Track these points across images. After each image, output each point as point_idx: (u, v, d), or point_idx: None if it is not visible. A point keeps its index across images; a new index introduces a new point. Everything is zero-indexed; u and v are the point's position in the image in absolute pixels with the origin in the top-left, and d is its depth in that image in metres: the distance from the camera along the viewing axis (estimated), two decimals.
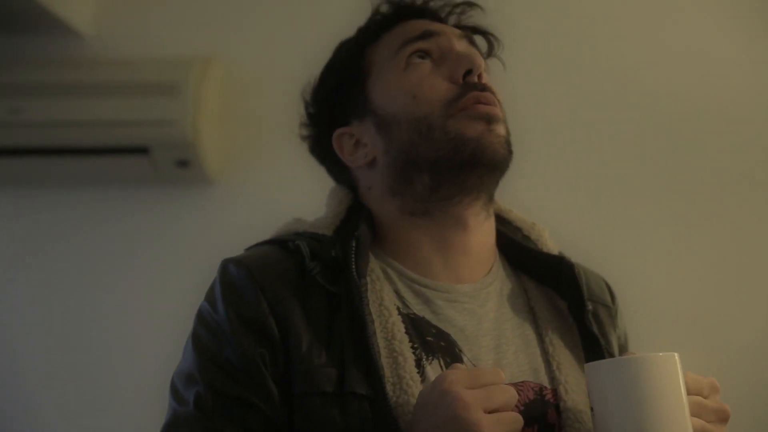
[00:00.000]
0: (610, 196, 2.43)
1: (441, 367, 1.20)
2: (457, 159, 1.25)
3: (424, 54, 1.31)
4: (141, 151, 2.38)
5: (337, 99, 1.37)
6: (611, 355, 1.30)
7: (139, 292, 2.46)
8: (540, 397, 1.23)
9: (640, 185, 2.43)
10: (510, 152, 1.29)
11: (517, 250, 1.38)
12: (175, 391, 1.20)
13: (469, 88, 1.27)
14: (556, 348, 1.28)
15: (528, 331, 1.29)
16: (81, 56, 2.48)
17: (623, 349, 1.39)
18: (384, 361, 1.16)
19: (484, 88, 1.28)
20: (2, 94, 2.38)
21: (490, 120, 1.26)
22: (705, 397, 1.16)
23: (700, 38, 2.49)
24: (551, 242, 1.40)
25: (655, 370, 1.09)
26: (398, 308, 1.24)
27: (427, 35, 1.32)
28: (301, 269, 1.23)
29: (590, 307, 1.29)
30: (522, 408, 1.19)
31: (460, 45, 1.33)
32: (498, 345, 1.26)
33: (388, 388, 1.14)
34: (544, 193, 2.34)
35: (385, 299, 1.23)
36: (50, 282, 2.48)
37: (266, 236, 1.33)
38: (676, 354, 1.10)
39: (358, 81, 1.34)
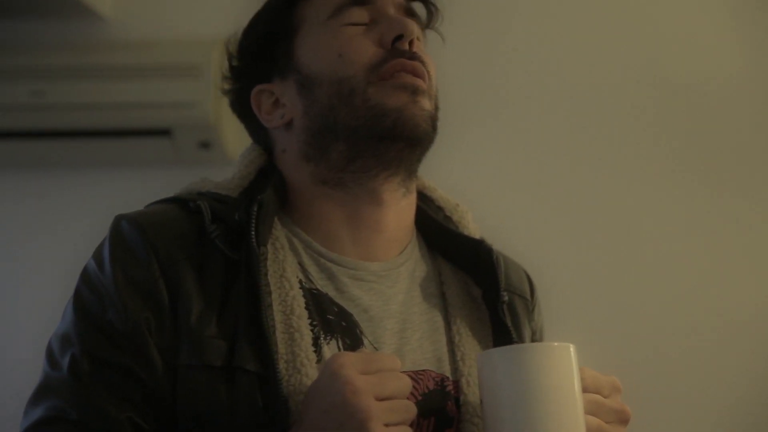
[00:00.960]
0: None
1: (339, 347, 1.14)
2: (376, 129, 1.18)
3: (357, 24, 1.22)
4: (163, 133, 2.39)
5: (260, 53, 1.27)
6: None
7: None
8: (440, 388, 1.17)
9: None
10: (434, 129, 1.21)
11: (437, 231, 1.30)
12: (50, 354, 1.12)
13: (397, 54, 1.19)
14: (463, 338, 1.21)
15: (437, 318, 1.23)
16: (102, 39, 2.48)
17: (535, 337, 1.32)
18: (279, 336, 1.10)
19: (413, 56, 1.20)
20: (24, 78, 2.38)
21: (414, 91, 1.18)
22: (605, 396, 1.10)
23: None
24: (473, 226, 1.32)
25: (547, 360, 1.03)
26: (300, 281, 1.17)
27: (363, 1, 1.23)
28: (201, 231, 1.15)
29: (506, 297, 1.23)
30: (420, 398, 1.14)
31: (397, 11, 1.24)
32: (403, 329, 1.19)
33: (281, 365, 1.08)
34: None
35: (287, 270, 1.15)
36: (75, 263, 2.49)
37: None
38: (571, 345, 1.05)
39: (286, 36, 1.25)
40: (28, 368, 1.25)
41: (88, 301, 1.13)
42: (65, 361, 1.09)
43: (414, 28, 1.22)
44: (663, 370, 2.30)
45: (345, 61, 1.18)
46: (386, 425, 0.98)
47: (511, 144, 2.42)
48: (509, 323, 1.22)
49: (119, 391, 1.07)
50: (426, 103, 1.20)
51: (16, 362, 2.22)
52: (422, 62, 1.21)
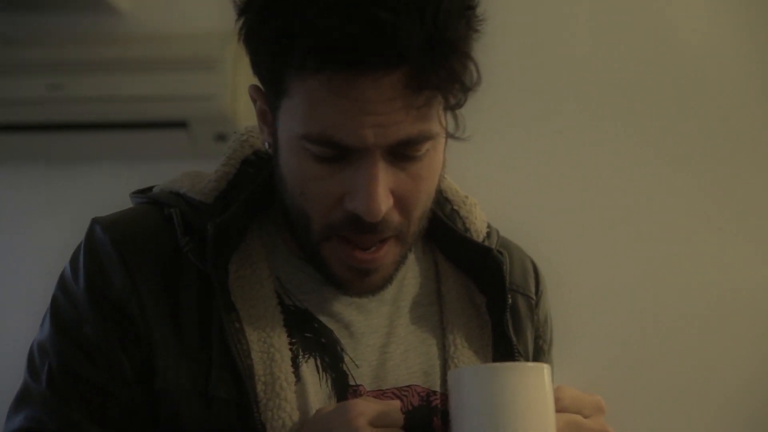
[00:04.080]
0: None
1: (317, 366, 1.09)
2: (322, 271, 1.10)
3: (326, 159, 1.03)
4: (179, 125, 2.40)
5: (254, 57, 1.10)
6: (526, 358, 1.19)
7: None
8: (426, 403, 1.12)
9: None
10: (390, 280, 1.10)
11: (440, 228, 1.19)
12: (31, 362, 1.09)
13: (356, 227, 1.03)
14: (458, 349, 1.15)
15: (428, 327, 1.16)
16: (118, 32, 2.48)
17: (540, 339, 1.25)
18: (257, 356, 1.05)
19: (373, 230, 1.03)
20: (42, 71, 2.39)
21: (365, 272, 1.07)
22: (586, 416, 1.05)
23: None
24: (481, 219, 1.22)
25: (519, 380, 0.99)
26: (279, 296, 1.10)
27: (341, 151, 1.01)
28: (177, 241, 1.08)
29: (509, 300, 1.17)
30: (403, 416, 1.07)
31: (373, 168, 1.01)
32: (385, 344, 1.14)
33: (259, 388, 1.04)
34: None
35: (264, 287, 1.09)
36: None
37: None
38: (545, 366, 1.02)
39: (275, 88, 1.06)
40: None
41: (65, 311, 1.09)
42: (43, 373, 1.06)
43: (381, 208, 1.01)
44: (678, 365, 2.29)
45: (305, 203, 1.05)
46: None
47: (520, 137, 2.42)
48: (511, 333, 1.16)
49: (97, 407, 1.05)
50: (382, 272, 1.08)
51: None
52: (384, 231, 1.05)
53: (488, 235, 1.22)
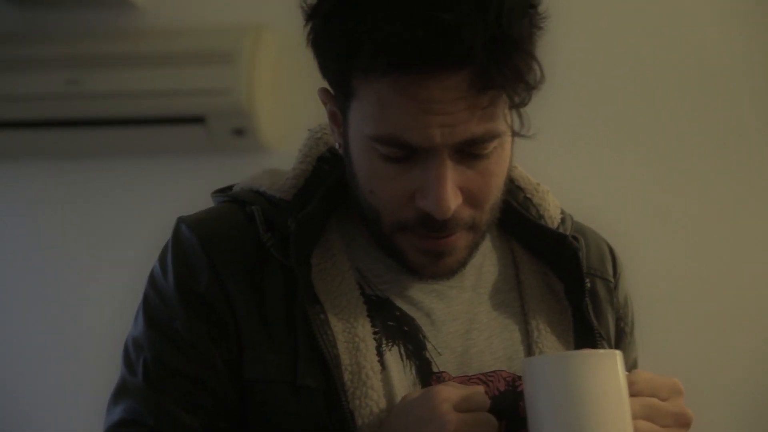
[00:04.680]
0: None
1: (401, 354, 1.11)
2: (398, 262, 1.13)
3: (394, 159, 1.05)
4: (197, 120, 2.39)
5: (327, 64, 1.10)
6: (608, 342, 1.20)
7: None
8: (512, 388, 1.13)
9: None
10: (464, 264, 1.12)
11: (514, 216, 1.21)
12: (126, 356, 1.14)
13: (426, 224, 1.06)
14: (542, 334, 1.16)
15: (509, 314, 1.18)
16: (136, 27, 2.49)
17: (621, 321, 1.26)
18: (342, 346, 1.08)
19: (443, 228, 1.06)
20: (60, 66, 2.40)
21: (439, 255, 1.10)
22: (663, 399, 1.05)
23: None
24: (554, 206, 1.23)
25: (590, 368, 1.00)
26: (360, 287, 1.13)
27: (410, 151, 1.04)
28: (260, 238, 1.12)
29: (588, 284, 1.18)
30: (489, 401, 1.09)
31: (441, 166, 1.03)
32: (468, 331, 1.15)
33: (346, 377, 1.07)
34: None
35: (345, 278, 1.12)
36: (112, 249, 2.51)
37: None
38: (617, 352, 1.03)
39: (343, 89, 1.08)
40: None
41: (156, 308, 1.13)
42: (139, 367, 1.11)
43: (450, 206, 1.04)
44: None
45: (376, 200, 1.08)
46: None
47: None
48: (592, 317, 1.17)
49: (191, 398, 1.09)
50: (453, 258, 1.11)
51: None
52: (455, 227, 1.07)
53: (562, 221, 1.23)
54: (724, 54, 2.40)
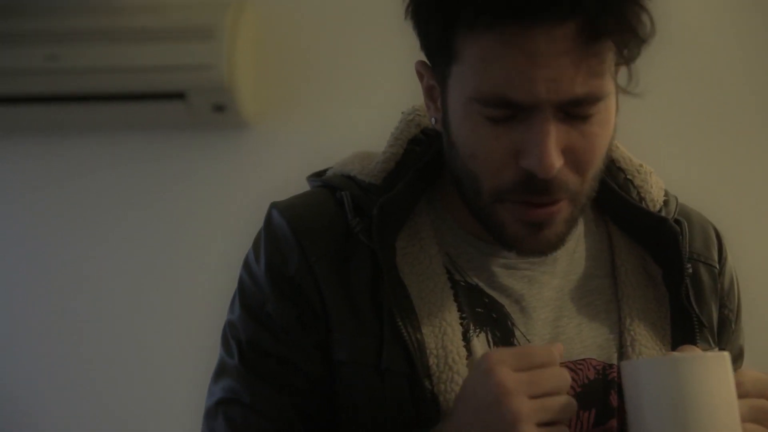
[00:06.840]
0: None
1: (488, 341, 1.10)
2: (494, 235, 1.10)
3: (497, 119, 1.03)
4: (177, 96, 2.39)
5: (421, 26, 1.08)
6: (710, 330, 1.15)
7: (177, 237, 2.48)
8: (602, 376, 1.11)
9: None
10: (563, 240, 1.09)
11: (612, 197, 1.18)
12: (225, 339, 1.17)
13: (529, 187, 1.04)
14: (635, 321, 1.14)
15: (601, 300, 1.16)
16: (115, 2, 2.47)
17: (725, 308, 1.21)
18: (427, 330, 1.08)
19: (545, 190, 1.03)
20: (39, 41, 2.38)
21: (540, 226, 1.07)
22: None
23: None
24: (657, 187, 1.20)
25: (697, 372, 0.97)
26: (449, 272, 1.13)
27: (513, 110, 1.02)
28: (348, 223, 1.12)
29: (689, 269, 1.14)
30: (579, 390, 1.09)
31: (544, 124, 1.01)
32: (557, 318, 1.14)
33: (431, 361, 1.07)
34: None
35: (433, 263, 1.12)
36: (89, 226, 2.51)
37: (304, 182, 1.23)
38: (725, 354, 0.99)
39: (444, 53, 1.06)
40: None
41: (250, 291, 1.15)
42: (234, 348, 1.14)
43: (554, 163, 1.01)
44: None
45: (476, 164, 1.06)
46: (540, 425, 0.96)
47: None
48: (693, 305, 1.14)
49: (283, 379, 1.12)
50: (552, 230, 1.07)
51: None
52: (558, 191, 1.04)
53: (665, 203, 1.20)
54: None
